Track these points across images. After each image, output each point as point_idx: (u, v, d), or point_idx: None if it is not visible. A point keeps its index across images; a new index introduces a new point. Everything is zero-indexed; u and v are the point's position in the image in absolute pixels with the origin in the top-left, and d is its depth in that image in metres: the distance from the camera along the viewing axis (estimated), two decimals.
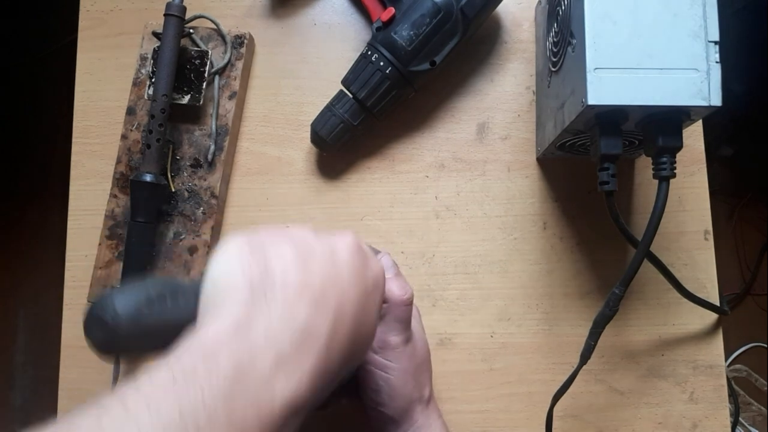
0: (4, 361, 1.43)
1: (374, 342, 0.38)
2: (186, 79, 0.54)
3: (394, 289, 0.38)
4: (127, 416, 0.20)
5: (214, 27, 0.56)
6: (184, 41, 0.55)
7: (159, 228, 0.54)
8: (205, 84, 0.54)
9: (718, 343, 0.54)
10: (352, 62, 0.54)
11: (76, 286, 0.55)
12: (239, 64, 0.56)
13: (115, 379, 0.51)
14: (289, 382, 0.23)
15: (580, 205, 0.56)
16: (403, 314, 0.39)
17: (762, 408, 1.30)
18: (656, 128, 0.42)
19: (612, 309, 0.44)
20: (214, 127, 0.55)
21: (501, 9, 0.57)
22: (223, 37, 0.56)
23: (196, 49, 0.55)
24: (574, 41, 0.43)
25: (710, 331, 0.54)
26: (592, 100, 0.39)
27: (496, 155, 0.57)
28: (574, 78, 0.43)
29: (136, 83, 0.56)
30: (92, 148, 0.58)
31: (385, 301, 0.38)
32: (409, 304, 0.39)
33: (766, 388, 1.33)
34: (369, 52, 0.52)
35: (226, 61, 0.55)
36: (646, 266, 0.47)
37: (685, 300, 0.51)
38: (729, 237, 1.47)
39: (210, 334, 0.23)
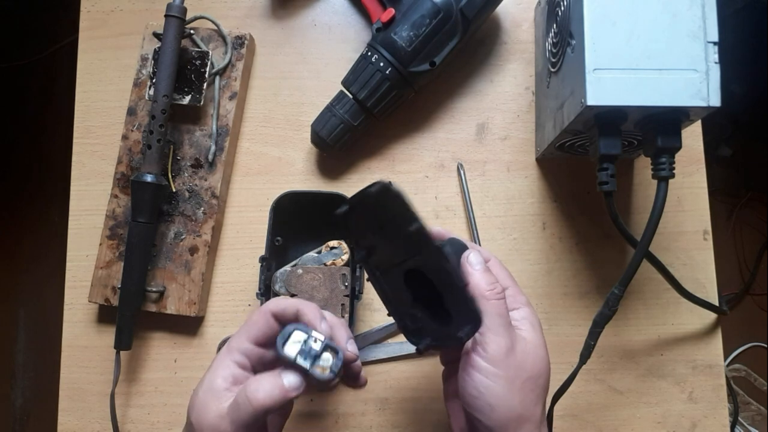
0: (4, 361, 1.43)
1: (479, 343, 0.36)
2: (187, 80, 0.54)
3: (481, 283, 0.37)
4: None
5: (215, 28, 0.56)
6: (185, 42, 0.56)
7: (160, 228, 0.54)
8: (205, 84, 0.54)
9: (717, 342, 0.55)
10: (352, 63, 0.54)
11: (76, 286, 0.56)
12: (240, 65, 0.56)
13: (116, 380, 0.51)
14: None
15: (579, 205, 0.56)
16: (494, 309, 0.37)
17: (761, 407, 1.30)
18: (655, 128, 0.42)
19: (611, 309, 0.44)
20: (214, 127, 0.55)
21: (500, 10, 0.57)
22: (223, 37, 0.56)
23: (196, 49, 0.55)
24: (574, 42, 0.43)
25: (709, 331, 0.55)
26: (591, 101, 0.40)
27: (495, 155, 0.57)
28: (573, 78, 0.43)
29: (137, 84, 0.56)
30: (93, 149, 0.58)
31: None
32: (498, 298, 0.37)
33: (765, 388, 1.33)
34: (369, 53, 0.53)
35: (226, 61, 0.56)
36: (646, 266, 0.47)
37: (684, 300, 0.51)
38: (728, 237, 1.47)
39: None
